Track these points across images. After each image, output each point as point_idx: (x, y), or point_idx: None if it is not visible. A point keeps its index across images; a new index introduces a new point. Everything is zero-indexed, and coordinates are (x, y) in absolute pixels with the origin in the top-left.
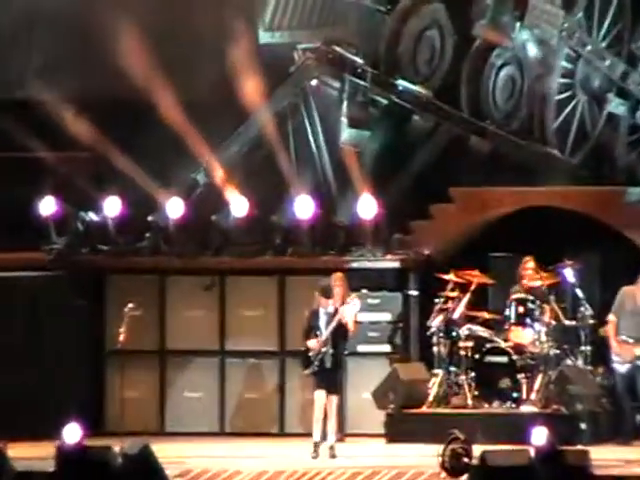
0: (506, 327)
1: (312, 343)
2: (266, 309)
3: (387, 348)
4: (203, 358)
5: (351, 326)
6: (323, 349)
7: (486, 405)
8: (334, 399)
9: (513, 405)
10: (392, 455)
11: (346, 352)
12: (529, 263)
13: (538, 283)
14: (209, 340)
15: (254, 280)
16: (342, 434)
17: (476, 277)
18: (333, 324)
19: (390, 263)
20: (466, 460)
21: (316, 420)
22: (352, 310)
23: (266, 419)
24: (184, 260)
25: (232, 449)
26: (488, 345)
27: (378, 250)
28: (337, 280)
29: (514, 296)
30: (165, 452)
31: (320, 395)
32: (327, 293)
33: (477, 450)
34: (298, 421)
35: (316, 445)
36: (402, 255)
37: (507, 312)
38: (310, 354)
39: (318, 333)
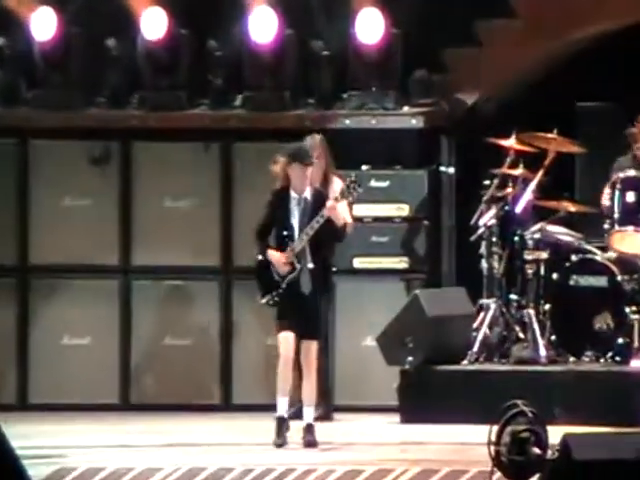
0: (606, 228)
1: (275, 254)
2: (200, 197)
3: (402, 263)
4: (93, 280)
5: (344, 221)
6: (296, 263)
7: (571, 359)
8: (312, 347)
9: (617, 359)
10: (409, 442)
11: (334, 269)
12: None
13: None
14: (103, 250)
15: (180, 148)
16: (327, 407)
17: (554, 143)
18: (317, 219)
19: (408, 120)
20: (536, 451)
21: (281, 380)
22: (346, 187)
23: (199, 382)
24: (57, 115)
25: (140, 434)
26: (574, 258)
27: (388, 98)
28: (317, 148)
29: (620, 175)
30: (29, 438)
31: (288, 339)
32: (302, 161)
33: (554, 434)
34: (252, 384)
35: (281, 424)
36: (428, 106)
37: (606, 202)
38: (273, 271)
39: (286, 235)
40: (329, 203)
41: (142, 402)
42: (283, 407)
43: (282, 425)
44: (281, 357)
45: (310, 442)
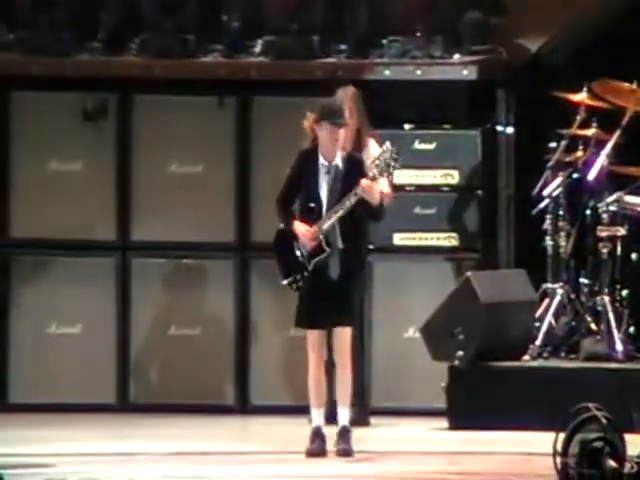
0: None
1: (301, 227)
2: (212, 161)
3: (451, 240)
4: (85, 258)
5: (384, 192)
6: (324, 245)
7: None
8: (347, 335)
9: None
10: (459, 452)
11: (371, 246)
12: None
13: None
14: (97, 222)
15: (188, 102)
16: (362, 410)
17: (633, 97)
18: (350, 198)
19: (459, 71)
20: (611, 463)
21: (314, 389)
22: (384, 162)
23: (210, 380)
24: (44, 61)
25: (141, 440)
26: None
27: (435, 44)
28: (349, 102)
29: None
30: (9, 444)
31: (317, 336)
32: (333, 120)
33: (633, 443)
34: (272, 383)
35: (316, 433)
36: (483, 54)
37: None
38: (297, 247)
39: (312, 207)
40: (364, 181)
41: (143, 402)
42: (318, 419)
43: (316, 434)
44: (311, 359)
45: (345, 451)
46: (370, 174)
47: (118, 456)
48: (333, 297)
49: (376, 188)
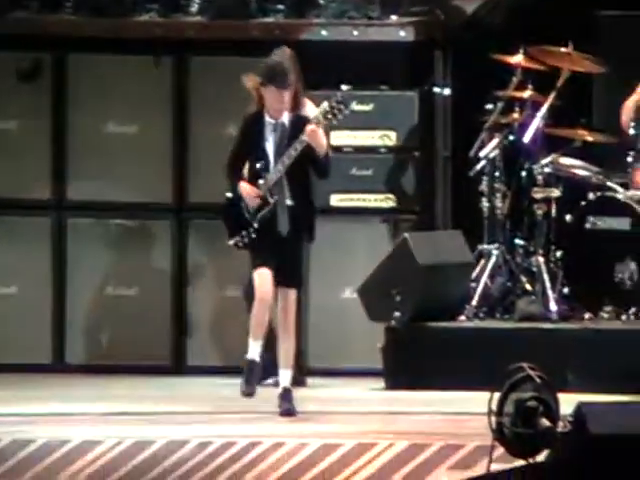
0: (630, 161)
1: (246, 186)
2: (148, 121)
3: (389, 201)
4: (20, 217)
5: (328, 149)
6: (269, 197)
7: (587, 315)
8: (291, 296)
9: None
10: (396, 412)
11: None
12: None
13: None
14: (32, 182)
15: (124, 62)
16: (300, 371)
17: (568, 59)
18: (295, 146)
19: (396, 32)
20: (545, 422)
21: (256, 323)
22: (329, 107)
23: (147, 340)
24: None
25: (77, 401)
26: (592, 196)
27: (372, 5)
28: (287, 62)
29: None
30: None
31: (265, 276)
32: (279, 84)
33: (567, 403)
34: (208, 344)
35: (252, 370)
36: (420, 15)
37: (630, 130)
38: (243, 207)
39: (260, 167)
40: (309, 127)
41: (79, 363)
42: (256, 350)
43: (253, 370)
44: (257, 296)
45: (288, 411)
46: (314, 120)
47: (54, 417)
48: (281, 256)
49: (321, 134)
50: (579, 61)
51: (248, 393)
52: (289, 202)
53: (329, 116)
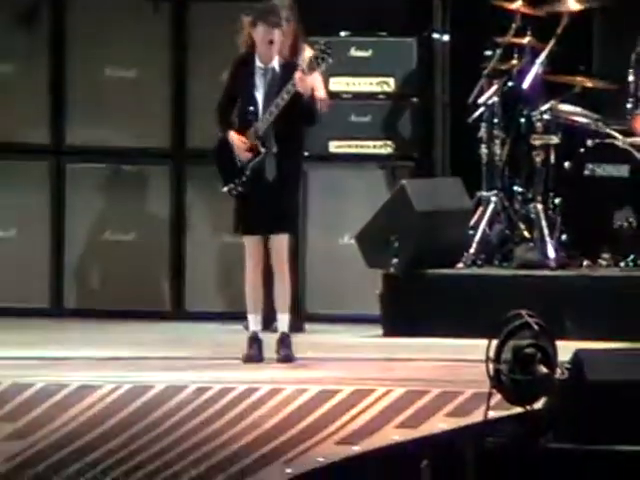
0: (629, 107)
1: (235, 137)
2: (147, 65)
3: (387, 147)
4: (17, 161)
5: (319, 96)
6: (260, 147)
7: (585, 263)
8: (283, 242)
9: None
10: (393, 359)
11: (306, 153)
12: None
13: None
14: (30, 125)
15: (123, 5)
16: (297, 316)
17: (568, 4)
18: (282, 96)
19: None
20: (543, 369)
21: (251, 294)
22: (315, 55)
23: (145, 285)
24: None
25: (75, 345)
26: (590, 143)
27: None
28: (285, 9)
29: None
30: None
31: (254, 242)
32: (269, 22)
33: (565, 350)
34: (207, 289)
35: (253, 338)
36: None
37: (630, 77)
38: (236, 155)
39: (250, 111)
40: (297, 74)
41: (77, 307)
42: (255, 324)
43: (253, 339)
44: (248, 265)
45: (287, 356)
46: (303, 66)
47: (52, 360)
48: (270, 203)
49: (309, 82)
50: (579, 5)
51: (251, 358)
52: (275, 148)
53: (314, 64)
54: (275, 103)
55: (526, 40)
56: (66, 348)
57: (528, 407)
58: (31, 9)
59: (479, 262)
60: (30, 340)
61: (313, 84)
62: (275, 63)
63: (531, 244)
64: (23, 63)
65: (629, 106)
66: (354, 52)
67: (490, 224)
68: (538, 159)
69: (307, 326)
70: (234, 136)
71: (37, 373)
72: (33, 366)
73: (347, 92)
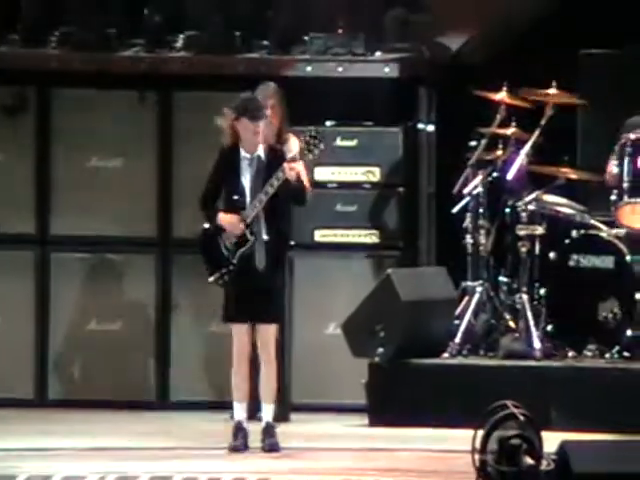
0: (613, 199)
1: (226, 216)
2: (133, 155)
3: (372, 237)
4: (3, 251)
5: (305, 183)
6: (248, 235)
7: (570, 354)
8: (271, 331)
9: (624, 354)
10: (379, 449)
11: (292, 242)
12: None
13: None
14: (16, 216)
15: (109, 97)
16: (283, 406)
17: (552, 97)
18: (272, 182)
19: (381, 68)
20: (529, 460)
21: (237, 384)
22: (304, 142)
23: (131, 376)
24: None
25: (60, 436)
26: (575, 234)
27: (357, 41)
28: (271, 99)
29: (631, 135)
30: None
31: (242, 331)
32: (252, 115)
33: (550, 441)
34: (193, 379)
35: (238, 428)
36: (405, 52)
37: (614, 169)
38: (222, 244)
39: (236, 200)
40: (286, 164)
41: (62, 398)
42: (241, 413)
43: (239, 429)
44: (235, 355)
45: (272, 446)
46: (291, 155)
47: (37, 451)
48: (258, 292)
49: (298, 168)
50: (562, 99)
51: (236, 447)
52: (265, 237)
53: (305, 152)
54: (264, 191)
55: (510, 131)
56: (51, 439)
57: None
58: (17, 101)
59: (465, 352)
60: (14, 430)
61: (299, 171)
62: (260, 151)
63: (516, 334)
64: (10, 153)
65: (613, 197)
66: (339, 142)
67: (475, 314)
68: (523, 249)
69: (293, 416)
70: (223, 215)
71: (21, 464)
72: (17, 457)
73: (332, 182)
